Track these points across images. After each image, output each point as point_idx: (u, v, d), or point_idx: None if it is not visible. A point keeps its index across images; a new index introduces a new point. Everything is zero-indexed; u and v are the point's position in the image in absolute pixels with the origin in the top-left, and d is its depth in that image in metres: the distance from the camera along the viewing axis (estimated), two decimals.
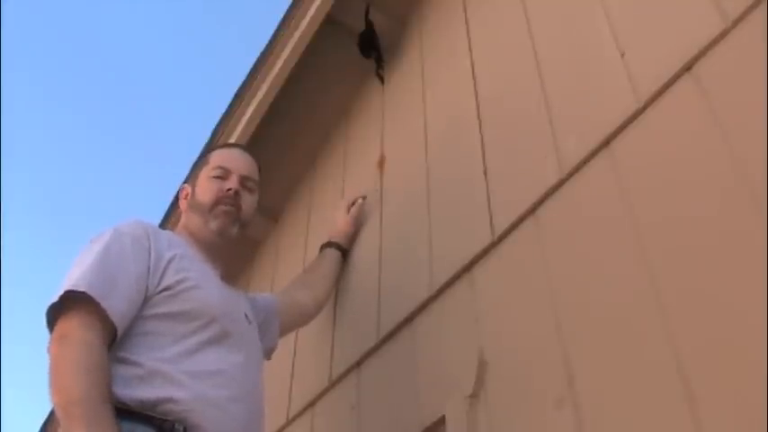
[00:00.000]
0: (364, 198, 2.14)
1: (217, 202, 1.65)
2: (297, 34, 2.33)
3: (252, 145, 2.45)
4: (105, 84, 13.42)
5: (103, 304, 1.31)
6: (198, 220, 1.65)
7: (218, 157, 1.75)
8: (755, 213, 1.03)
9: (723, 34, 1.20)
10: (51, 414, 3.15)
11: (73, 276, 1.35)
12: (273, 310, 1.81)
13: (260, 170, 1.79)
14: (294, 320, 1.94)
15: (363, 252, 2.06)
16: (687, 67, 1.25)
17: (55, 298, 1.33)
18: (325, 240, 2.11)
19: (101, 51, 13.19)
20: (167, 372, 1.32)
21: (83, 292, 1.32)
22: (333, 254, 2.05)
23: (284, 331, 1.88)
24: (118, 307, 1.33)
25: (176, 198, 2.01)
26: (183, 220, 1.72)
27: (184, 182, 1.82)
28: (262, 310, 1.75)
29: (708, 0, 1.25)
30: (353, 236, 2.11)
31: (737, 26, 1.18)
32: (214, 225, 1.64)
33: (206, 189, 1.69)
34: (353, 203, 2.14)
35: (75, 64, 13.17)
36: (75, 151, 13.50)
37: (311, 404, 1.95)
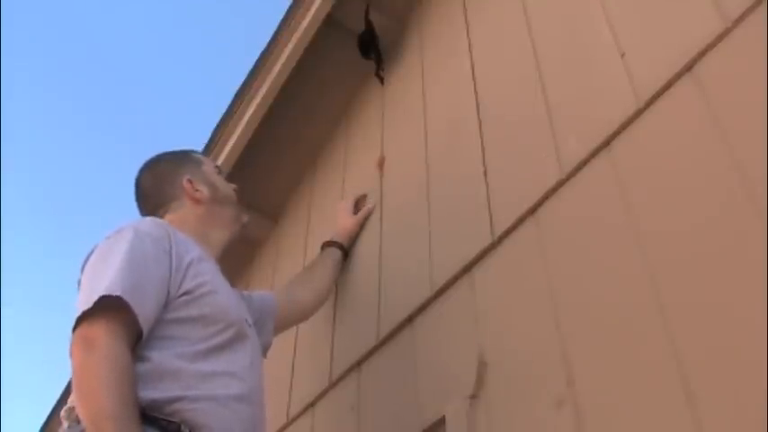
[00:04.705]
0: (365, 197, 2.14)
1: (238, 197, 1.75)
2: (297, 35, 2.33)
3: (252, 145, 2.46)
4: (106, 83, 13.43)
5: (136, 310, 1.28)
6: (230, 213, 1.71)
7: (205, 158, 1.83)
8: (755, 213, 1.03)
9: (723, 34, 1.20)
10: (51, 414, 3.15)
11: (102, 281, 1.31)
12: (269, 308, 1.81)
13: None
14: (292, 317, 1.94)
15: (363, 252, 2.06)
16: (687, 68, 1.24)
17: (89, 303, 1.27)
18: (326, 239, 2.11)
19: (101, 51, 13.20)
20: (179, 372, 1.31)
21: (116, 297, 1.28)
22: (334, 253, 2.05)
23: (282, 328, 1.88)
24: (146, 313, 1.31)
25: None
26: (192, 214, 1.67)
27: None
28: (257, 308, 1.75)
29: (708, 0, 1.25)
30: (356, 237, 2.11)
31: (737, 26, 1.18)
32: (246, 218, 1.74)
33: (225, 184, 1.76)
34: (357, 204, 2.14)
35: (76, 65, 13.18)
36: (75, 151, 13.51)
37: (311, 404, 1.95)
